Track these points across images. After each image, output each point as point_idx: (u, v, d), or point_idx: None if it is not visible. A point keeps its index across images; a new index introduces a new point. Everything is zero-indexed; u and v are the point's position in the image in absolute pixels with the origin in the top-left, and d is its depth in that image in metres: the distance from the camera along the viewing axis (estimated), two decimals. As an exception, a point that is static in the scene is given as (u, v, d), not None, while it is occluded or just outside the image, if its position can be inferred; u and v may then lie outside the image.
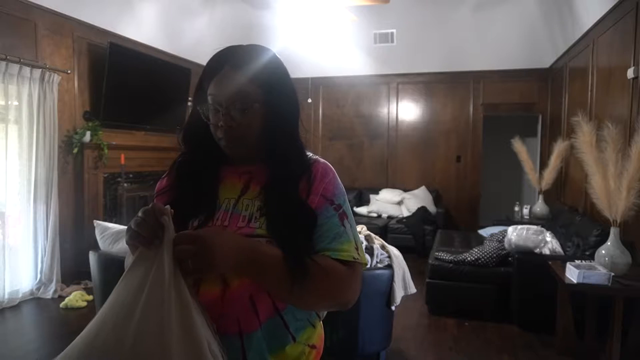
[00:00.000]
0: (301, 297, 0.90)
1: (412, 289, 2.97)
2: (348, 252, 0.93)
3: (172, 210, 0.83)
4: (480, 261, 3.68)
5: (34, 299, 4.01)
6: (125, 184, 5.03)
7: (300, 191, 0.95)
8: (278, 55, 0.99)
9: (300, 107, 1.01)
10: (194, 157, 1.01)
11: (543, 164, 5.96)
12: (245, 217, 0.94)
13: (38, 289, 4.06)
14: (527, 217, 5.62)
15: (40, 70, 3.95)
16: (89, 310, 3.74)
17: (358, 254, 0.95)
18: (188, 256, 0.77)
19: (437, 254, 3.94)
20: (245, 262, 0.84)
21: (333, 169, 1.02)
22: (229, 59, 0.94)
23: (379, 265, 2.79)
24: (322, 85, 7.29)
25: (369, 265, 2.68)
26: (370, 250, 2.78)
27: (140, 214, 0.82)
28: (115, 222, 3.95)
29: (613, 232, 2.85)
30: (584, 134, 3.08)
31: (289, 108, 0.98)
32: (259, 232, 0.92)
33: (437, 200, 6.73)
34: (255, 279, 0.88)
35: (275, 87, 0.95)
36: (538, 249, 3.54)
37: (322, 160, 1.02)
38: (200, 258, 0.77)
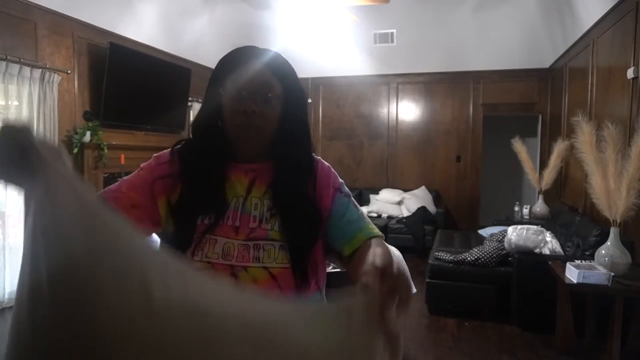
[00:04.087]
0: None
1: (412, 289, 2.97)
2: (376, 229, 0.98)
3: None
4: (480, 261, 3.68)
5: (34, 299, 4.00)
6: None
7: (307, 189, 0.98)
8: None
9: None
10: (201, 152, 0.97)
11: (543, 164, 5.96)
12: (256, 218, 0.93)
13: (38, 289, 4.06)
14: (527, 217, 5.61)
15: (40, 70, 3.95)
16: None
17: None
18: (393, 297, 0.62)
19: (437, 254, 3.94)
20: None
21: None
22: (251, 54, 0.96)
23: (379, 265, 2.78)
24: (322, 85, 7.29)
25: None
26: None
27: None
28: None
29: (613, 232, 2.85)
30: (584, 134, 3.08)
31: (302, 106, 1.01)
32: (272, 234, 0.92)
33: (437, 200, 6.73)
34: None
35: (292, 84, 0.97)
36: (538, 249, 3.54)
37: (317, 157, 1.05)
38: (401, 290, 0.63)
